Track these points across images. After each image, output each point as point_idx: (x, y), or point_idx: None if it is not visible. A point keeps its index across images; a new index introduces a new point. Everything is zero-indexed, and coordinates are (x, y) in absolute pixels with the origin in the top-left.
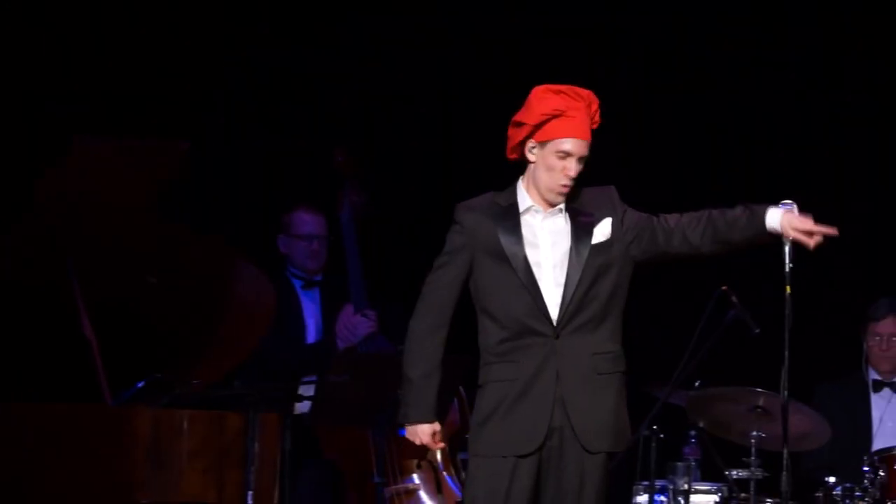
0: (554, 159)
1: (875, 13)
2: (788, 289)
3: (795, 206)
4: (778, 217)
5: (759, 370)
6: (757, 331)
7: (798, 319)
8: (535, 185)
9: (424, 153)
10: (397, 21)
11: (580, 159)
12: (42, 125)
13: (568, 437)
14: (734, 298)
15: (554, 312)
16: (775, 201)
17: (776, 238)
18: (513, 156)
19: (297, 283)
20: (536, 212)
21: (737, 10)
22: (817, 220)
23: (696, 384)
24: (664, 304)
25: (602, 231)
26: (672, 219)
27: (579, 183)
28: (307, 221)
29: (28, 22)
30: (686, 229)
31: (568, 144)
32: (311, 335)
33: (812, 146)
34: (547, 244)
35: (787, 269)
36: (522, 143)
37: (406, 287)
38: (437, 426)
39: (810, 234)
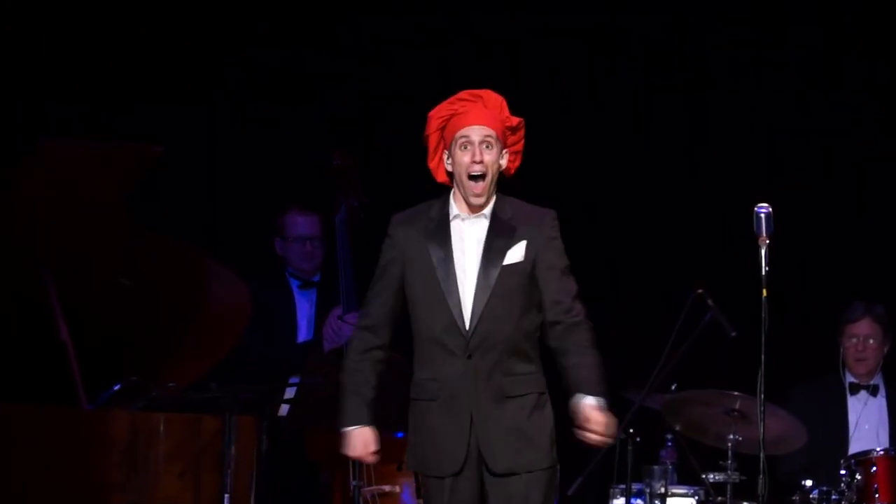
0: (460, 154)
1: (875, 13)
2: (765, 291)
3: (770, 209)
4: (580, 402)
5: (736, 373)
6: (733, 333)
7: (774, 322)
8: (461, 193)
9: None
10: (397, 21)
11: (485, 144)
12: (41, 125)
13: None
14: (710, 301)
15: (467, 331)
16: (774, 200)
17: None
18: (442, 179)
19: (295, 284)
20: (463, 219)
21: (737, 10)
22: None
23: (673, 387)
24: (640, 307)
25: (517, 253)
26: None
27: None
28: (300, 223)
29: (28, 22)
30: (553, 332)
31: (465, 132)
32: (303, 335)
33: (812, 146)
34: (472, 250)
35: (763, 272)
36: (440, 162)
37: None
38: (365, 434)
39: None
